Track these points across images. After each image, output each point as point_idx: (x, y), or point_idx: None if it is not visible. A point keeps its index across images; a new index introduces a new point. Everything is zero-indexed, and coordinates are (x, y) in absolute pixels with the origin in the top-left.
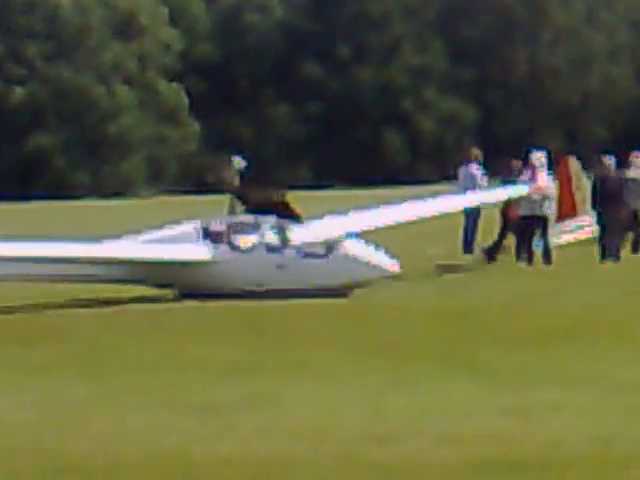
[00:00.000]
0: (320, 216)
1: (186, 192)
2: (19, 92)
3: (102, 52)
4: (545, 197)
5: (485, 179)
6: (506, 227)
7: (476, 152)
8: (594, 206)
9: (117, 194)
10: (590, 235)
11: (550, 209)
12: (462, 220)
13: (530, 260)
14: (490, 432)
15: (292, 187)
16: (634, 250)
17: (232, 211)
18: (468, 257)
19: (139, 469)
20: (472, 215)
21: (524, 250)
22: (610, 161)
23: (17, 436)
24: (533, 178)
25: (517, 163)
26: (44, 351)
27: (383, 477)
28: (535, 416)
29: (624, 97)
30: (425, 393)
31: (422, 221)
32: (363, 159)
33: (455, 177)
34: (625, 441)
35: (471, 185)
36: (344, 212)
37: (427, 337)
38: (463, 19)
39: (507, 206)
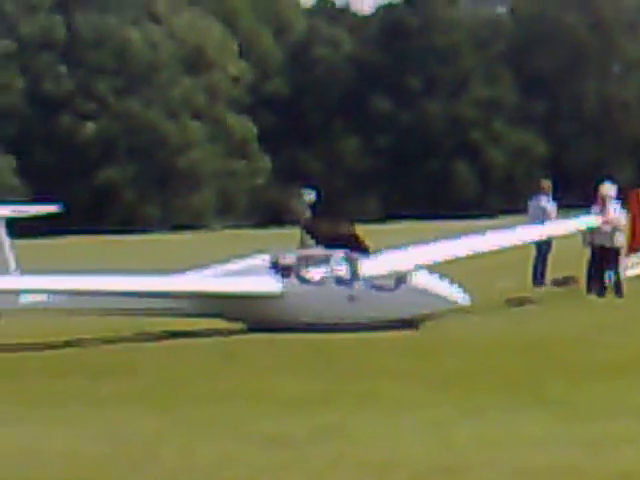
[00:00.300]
0: (389, 249)
1: (256, 225)
2: (90, 127)
3: (172, 87)
4: (616, 229)
5: (555, 211)
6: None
7: (546, 184)
8: None
9: (187, 227)
10: None
11: (621, 241)
12: (533, 252)
13: (601, 292)
14: (561, 464)
15: (361, 220)
16: None
17: (302, 244)
18: (538, 290)
19: None
20: (543, 247)
21: (595, 282)
22: None
23: (87, 468)
24: (603, 210)
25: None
26: (113, 384)
27: None
28: (606, 448)
29: None
30: (494, 424)
31: (493, 253)
32: (433, 191)
33: (525, 210)
34: None
35: (541, 218)
36: (414, 244)
37: (496, 368)
38: (532, 51)
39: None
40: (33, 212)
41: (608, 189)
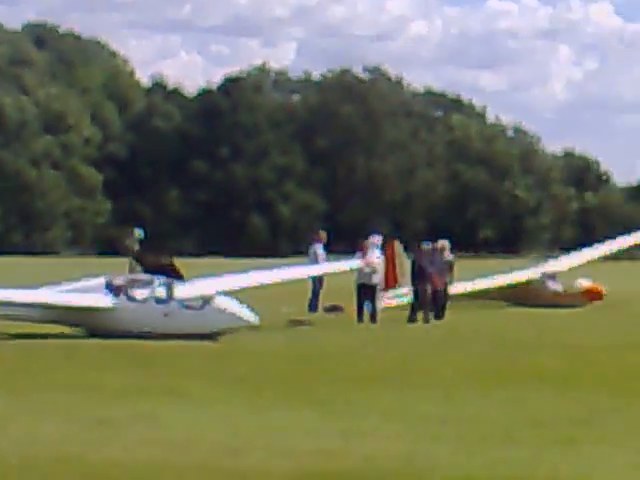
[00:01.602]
0: (199, 277)
1: (98, 254)
2: None
3: (35, 143)
4: (374, 270)
5: (324, 255)
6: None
7: (322, 235)
8: (412, 281)
9: (45, 253)
10: (407, 302)
11: (377, 279)
12: (309, 285)
13: (360, 318)
14: (321, 448)
15: (180, 254)
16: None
17: (132, 270)
18: (312, 314)
19: (47, 469)
20: (317, 282)
21: (358, 311)
22: (428, 247)
23: None
24: (365, 255)
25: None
26: None
27: None
28: (355, 438)
29: (439, 197)
30: (274, 417)
31: (279, 285)
32: (236, 236)
33: (306, 253)
34: (419, 456)
35: (315, 260)
36: (217, 275)
37: (278, 374)
38: (317, 131)
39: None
40: None
41: (373, 239)
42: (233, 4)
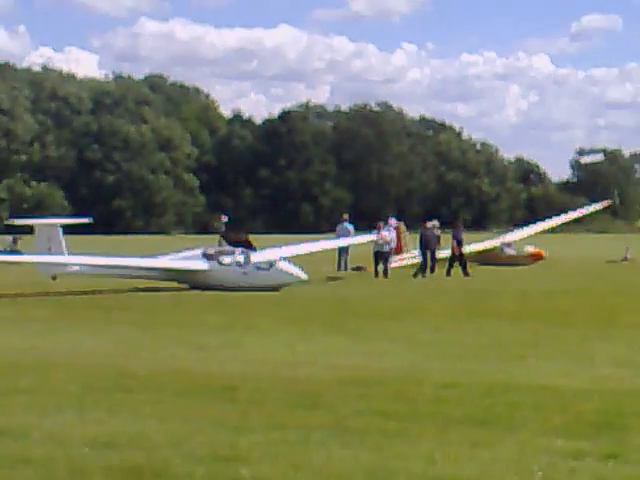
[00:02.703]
0: (266, 248)
1: (197, 233)
2: None
3: (152, 157)
4: (385, 242)
5: (353, 230)
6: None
7: (345, 216)
8: (421, 248)
9: (159, 233)
10: (414, 262)
11: (389, 248)
12: (336, 253)
13: (376, 275)
14: (351, 364)
15: (252, 233)
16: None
17: (220, 244)
18: (341, 272)
19: (164, 379)
20: (343, 249)
21: (382, 268)
22: (432, 223)
23: (98, 358)
24: (379, 232)
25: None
26: (118, 314)
27: (293, 387)
28: (374, 356)
29: (430, 192)
30: (318, 342)
31: (319, 251)
32: (291, 219)
33: (334, 230)
34: (417, 368)
35: (345, 233)
36: (278, 247)
37: (321, 313)
38: (345, 147)
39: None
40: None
41: (391, 221)
42: (286, 59)
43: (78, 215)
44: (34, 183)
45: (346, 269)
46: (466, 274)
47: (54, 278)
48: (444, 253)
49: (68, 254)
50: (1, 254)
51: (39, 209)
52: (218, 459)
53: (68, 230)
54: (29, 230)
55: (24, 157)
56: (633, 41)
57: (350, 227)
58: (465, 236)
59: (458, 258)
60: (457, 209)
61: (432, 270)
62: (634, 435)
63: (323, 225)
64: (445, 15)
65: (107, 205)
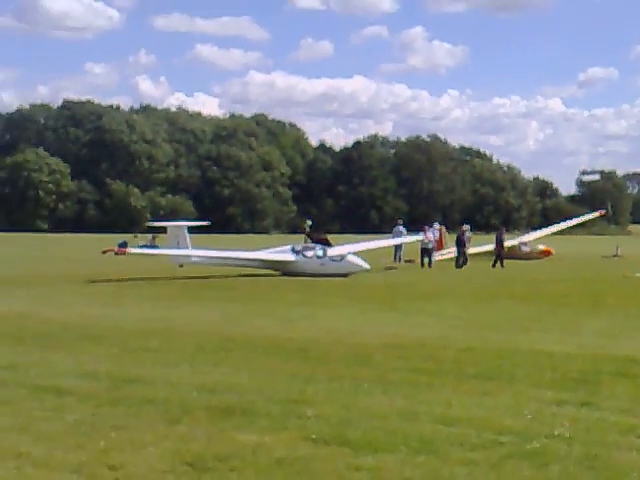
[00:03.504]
0: (339, 245)
1: (289, 233)
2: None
3: (257, 175)
4: (430, 241)
5: (406, 232)
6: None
7: (400, 221)
8: (457, 246)
9: (261, 232)
10: (451, 256)
11: (432, 245)
12: (393, 248)
13: (422, 266)
14: (396, 332)
15: (330, 233)
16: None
17: (305, 242)
18: (397, 264)
19: (256, 342)
20: (398, 247)
21: (422, 263)
22: (465, 227)
23: (209, 326)
24: (425, 233)
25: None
26: (227, 293)
27: (350, 349)
28: (414, 327)
29: (468, 203)
30: (373, 316)
31: (380, 248)
32: (361, 223)
33: (390, 231)
34: (446, 336)
35: (399, 234)
36: (350, 243)
37: (378, 294)
38: (403, 169)
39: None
40: (194, 224)
41: (436, 225)
42: (359, 102)
43: (201, 219)
44: (169, 195)
45: (400, 261)
46: (502, 265)
47: (181, 266)
48: (477, 249)
49: (192, 248)
50: (143, 248)
51: (173, 215)
52: (290, 402)
53: (193, 230)
54: (164, 230)
55: (162, 175)
56: (626, 88)
57: (403, 229)
58: (492, 237)
59: (498, 254)
60: (488, 216)
61: (465, 262)
62: (605, 388)
63: (386, 228)
64: (480, 68)
65: (223, 212)
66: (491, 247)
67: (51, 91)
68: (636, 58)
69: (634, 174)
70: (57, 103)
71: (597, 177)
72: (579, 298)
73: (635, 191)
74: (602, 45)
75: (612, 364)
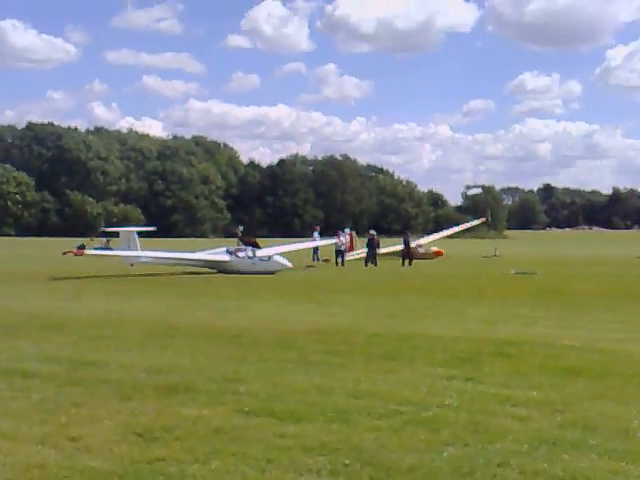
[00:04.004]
0: (265, 247)
1: (224, 237)
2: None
3: (197, 188)
4: (343, 244)
5: (320, 237)
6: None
7: (317, 228)
8: (368, 248)
9: (199, 236)
10: (361, 257)
11: (345, 247)
12: (309, 250)
13: (337, 264)
14: (315, 320)
15: (259, 237)
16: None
17: (237, 244)
18: (314, 263)
19: (197, 330)
20: (316, 248)
21: (336, 262)
22: (372, 232)
23: (155, 316)
24: (338, 237)
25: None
26: (171, 288)
27: (277, 335)
28: (331, 316)
29: (373, 211)
30: (296, 307)
31: (301, 249)
32: (282, 228)
33: (311, 235)
34: (357, 323)
35: (316, 239)
36: (273, 246)
37: (299, 288)
38: (319, 184)
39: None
40: (142, 230)
41: (347, 231)
42: (283, 126)
43: (148, 225)
44: (121, 205)
45: (318, 260)
46: (410, 264)
47: (132, 265)
48: (386, 250)
49: (141, 250)
50: (99, 249)
51: (124, 221)
52: (226, 380)
53: (142, 235)
54: (116, 235)
55: (115, 187)
56: (502, 117)
57: (317, 235)
58: (392, 240)
59: (407, 253)
60: (390, 223)
61: (375, 264)
62: (486, 366)
63: (306, 232)
64: (383, 99)
65: (167, 219)
66: (399, 248)
67: (17, 114)
68: (509, 93)
69: (509, 188)
70: (22, 125)
71: (479, 191)
72: (465, 291)
73: (509, 202)
74: (482, 81)
75: (491, 345)
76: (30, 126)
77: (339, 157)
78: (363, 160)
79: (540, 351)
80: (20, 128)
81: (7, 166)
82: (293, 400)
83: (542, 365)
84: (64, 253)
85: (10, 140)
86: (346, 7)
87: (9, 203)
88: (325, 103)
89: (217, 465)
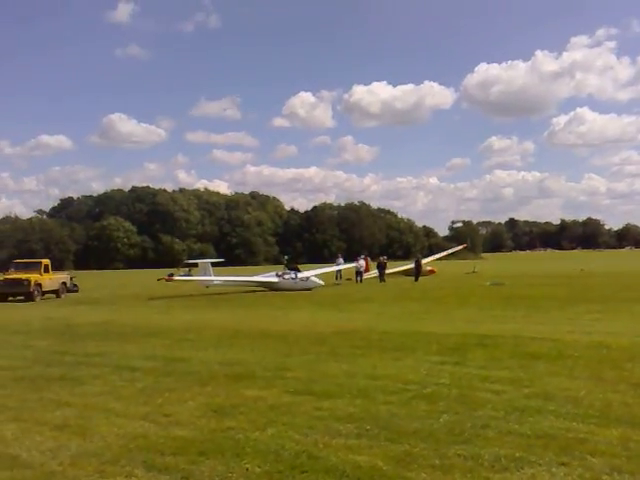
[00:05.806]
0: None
1: (274, 264)
2: None
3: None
4: (361, 266)
5: (344, 262)
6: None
7: (340, 256)
8: (378, 269)
9: (254, 265)
10: (374, 276)
11: (362, 268)
12: (334, 271)
13: (357, 281)
14: (340, 324)
15: (299, 263)
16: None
17: (284, 269)
18: (338, 281)
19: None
20: (339, 271)
21: (356, 280)
22: (382, 257)
23: (225, 323)
24: (357, 262)
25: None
26: (235, 302)
27: (313, 334)
28: (353, 320)
29: (384, 242)
30: (324, 313)
31: (329, 272)
32: (314, 256)
33: (334, 261)
34: (373, 325)
35: (340, 264)
36: (311, 270)
37: (328, 300)
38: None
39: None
40: (214, 261)
41: (364, 256)
42: (314, 182)
43: (219, 257)
44: (199, 243)
45: (341, 279)
46: (416, 280)
47: (207, 287)
48: (395, 270)
49: (213, 276)
50: (183, 276)
51: (201, 255)
52: (277, 369)
53: (214, 265)
54: (196, 265)
55: (194, 231)
56: (476, 170)
57: (341, 260)
58: (396, 263)
59: (418, 272)
60: (395, 250)
61: (384, 280)
62: (470, 353)
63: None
64: (387, 160)
65: (232, 252)
66: (404, 267)
67: (123, 181)
68: (480, 152)
69: (483, 222)
70: (127, 188)
71: (460, 224)
72: (452, 299)
73: (484, 232)
74: (460, 144)
75: (474, 338)
76: (133, 189)
77: (357, 203)
78: (374, 205)
79: (510, 341)
80: (126, 190)
81: (118, 218)
82: (327, 382)
83: (512, 352)
84: (158, 280)
85: (119, 199)
86: (359, 94)
87: (119, 245)
88: (345, 164)
89: (272, 432)
